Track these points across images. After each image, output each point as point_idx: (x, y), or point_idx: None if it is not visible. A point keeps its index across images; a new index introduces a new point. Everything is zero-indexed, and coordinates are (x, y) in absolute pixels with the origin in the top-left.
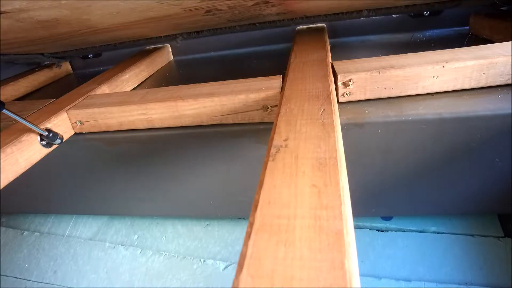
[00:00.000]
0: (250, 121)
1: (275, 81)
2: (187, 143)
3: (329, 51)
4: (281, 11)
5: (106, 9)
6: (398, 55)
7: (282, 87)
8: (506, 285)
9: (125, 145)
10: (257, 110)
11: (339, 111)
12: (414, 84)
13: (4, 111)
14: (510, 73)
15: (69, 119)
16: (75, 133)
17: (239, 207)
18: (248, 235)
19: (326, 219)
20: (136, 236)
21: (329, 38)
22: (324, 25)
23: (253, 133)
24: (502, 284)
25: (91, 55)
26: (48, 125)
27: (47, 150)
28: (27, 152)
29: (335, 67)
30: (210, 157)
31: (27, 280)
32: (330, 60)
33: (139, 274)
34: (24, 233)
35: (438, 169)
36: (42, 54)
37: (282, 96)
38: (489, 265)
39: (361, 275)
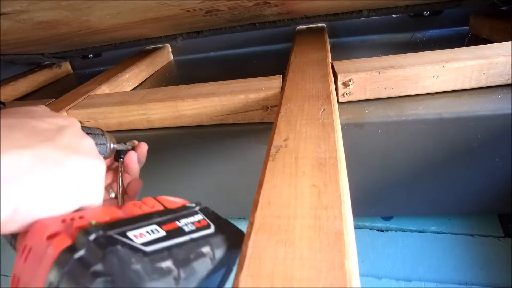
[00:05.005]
0: (250, 121)
1: (275, 81)
2: (187, 143)
3: (329, 51)
4: (281, 11)
5: (106, 10)
6: (398, 55)
7: (282, 87)
8: (506, 285)
9: None
10: (257, 110)
11: (339, 111)
12: (414, 84)
13: None
14: (510, 73)
15: None
16: None
17: (239, 207)
18: (248, 235)
19: (326, 219)
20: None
21: (329, 38)
22: (324, 25)
23: (253, 133)
24: (502, 284)
25: (91, 55)
26: None
27: None
28: None
29: (335, 67)
30: (210, 157)
31: None
32: (330, 60)
33: None
34: None
35: (438, 169)
36: (42, 54)
37: (282, 96)
38: (489, 265)
39: (361, 275)
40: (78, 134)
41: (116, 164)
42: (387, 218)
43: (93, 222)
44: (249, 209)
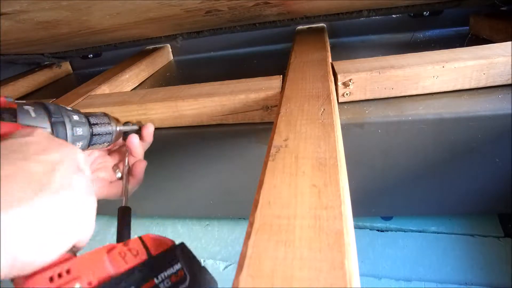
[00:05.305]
0: (250, 121)
1: (275, 81)
2: (187, 143)
3: (329, 51)
4: (281, 11)
5: (106, 10)
6: (398, 55)
7: (282, 87)
8: (506, 285)
9: None
10: (257, 110)
11: (339, 111)
12: (414, 84)
13: None
14: (510, 73)
15: None
16: None
17: (239, 207)
18: (248, 235)
19: (326, 219)
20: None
21: (329, 38)
22: (324, 25)
23: (253, 133)
24: (502, 284)
25: (91, 55)
26: None
27: None
28: None
29: (335, 67)
30: (210, 157)
31: None
32: (330, 60)
33: None
34: None
35: (438, 169)
36: (42, 54)
37: (282, 96)
38: (489, 265)
39: (361, 275)
40: (70, 171)
41: (121, 143)
42: (387, 218)
43: (77, 287)
44: (249, 209)
